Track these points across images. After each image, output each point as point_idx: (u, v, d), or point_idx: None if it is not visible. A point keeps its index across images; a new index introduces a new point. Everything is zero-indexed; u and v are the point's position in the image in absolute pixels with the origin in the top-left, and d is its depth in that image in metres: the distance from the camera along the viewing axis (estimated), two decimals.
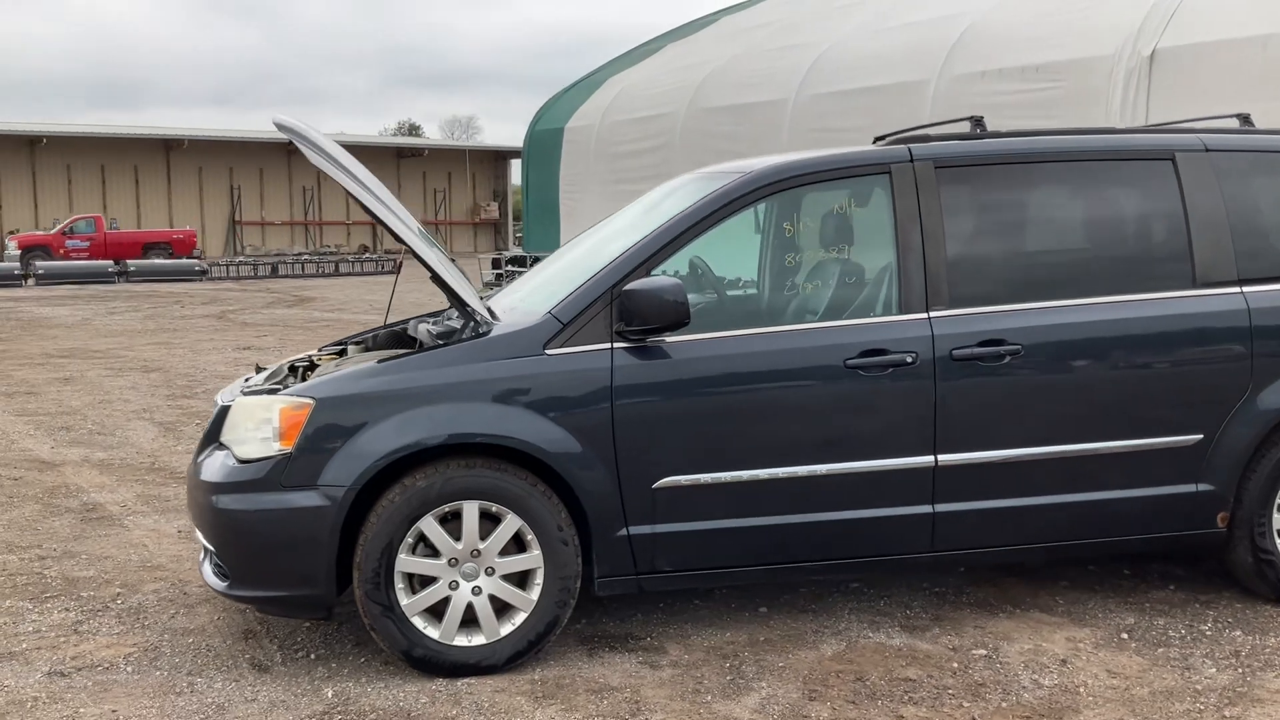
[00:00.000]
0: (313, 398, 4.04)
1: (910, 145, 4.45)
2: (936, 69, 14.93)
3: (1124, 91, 12.83)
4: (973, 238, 4.49)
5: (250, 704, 3.92)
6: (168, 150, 53.34)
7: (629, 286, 4.04)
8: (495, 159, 62.49)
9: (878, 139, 4.67)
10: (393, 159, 58.05)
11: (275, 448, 4.02)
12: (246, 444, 4.09)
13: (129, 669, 4.24)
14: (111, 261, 32.63)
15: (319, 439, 3.99)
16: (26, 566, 5.48)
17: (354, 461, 3.97)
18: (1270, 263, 4.57)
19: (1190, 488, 4.47)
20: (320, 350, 5.23)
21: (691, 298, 4.22)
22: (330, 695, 3.97)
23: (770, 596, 4.85)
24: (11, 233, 41.43)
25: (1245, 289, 4.48)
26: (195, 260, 34.81)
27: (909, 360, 4.21)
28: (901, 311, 4.28)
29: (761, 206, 4.57)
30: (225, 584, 4.17)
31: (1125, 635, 4.38)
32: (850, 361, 4.19)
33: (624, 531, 4.14)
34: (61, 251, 35.93)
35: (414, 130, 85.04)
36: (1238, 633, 4.39)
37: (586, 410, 4.08)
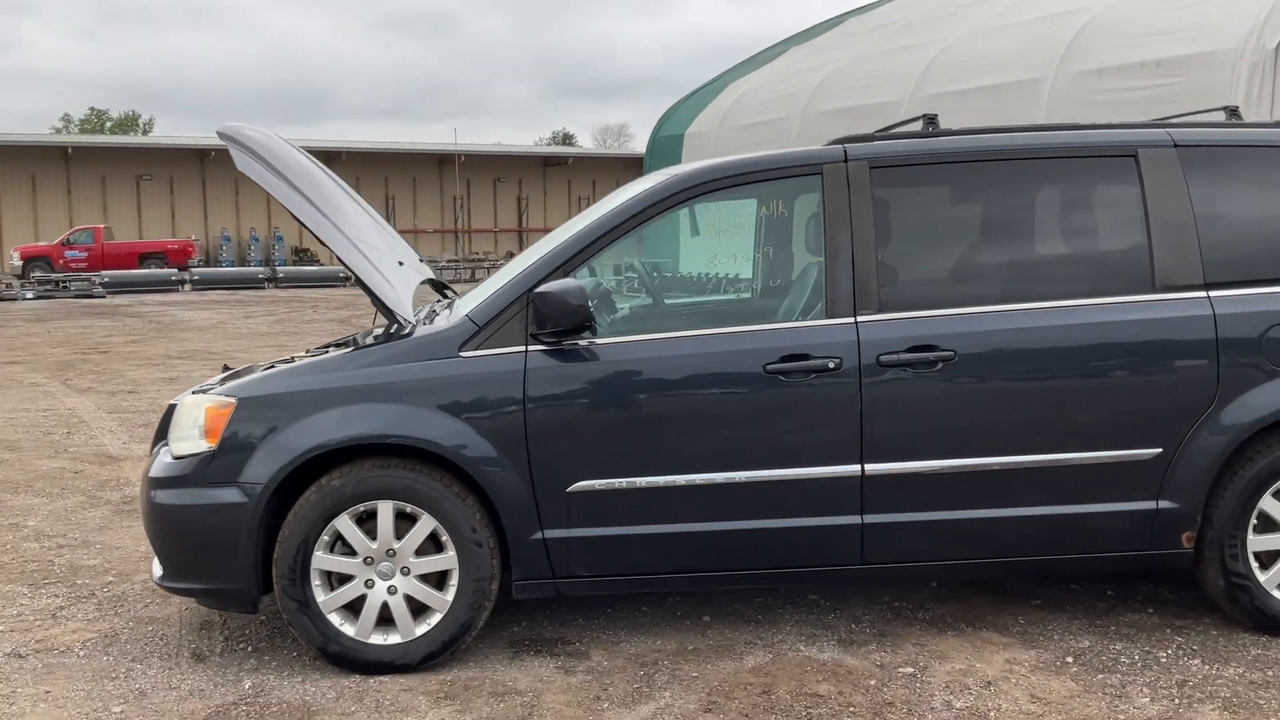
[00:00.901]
0: (235, 397, 4.17)
1: (847, 145, 4.31)
2: (1053, 67, 14.45)
3: (1248, 86, 12.21)
4: (908, 240, 4.32)
5: (171, 691, 4.07)
6: (328, 163, 55.52)
7: (538, 289, 4.04)
8: (640, 166, 62.85)
9: (831, 142, 4.55)
10: (539, 168, 59.15)
11: (203, 445, 4.16)
12: (181, 441, 4.24)
13: (81, 653, 4.45)
14: (263, 267, 34.12)
15: (240, 437, 4.12)
16: (42, 554, 5.80)
17: (271, 460, 4.08)
18: (1243, 266, 4.26)
19: (1149, 505, 4.20)
20: (308, 351, 5.37)
21: (639, 301, 4.19)
22: (247, 687, 4.09)
23: (718, 606, 4.77)
24: (192, 238, 44.05)
25: (1213, 294, 4.19)
26: (172, 270, 35.33)
27: (831, 366, 4.08)
28: (829, 315, 4.15)
29: (699, 208, 4.50)
30: (159, 575, 4.33)
31: (1071, 659, 4.15)
32: (770, 366, 4.09)
33: (539, 535, 4.13)
34: (61, 262, 37.05)
35: (566, 139, 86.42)
36: (1196, 661, 4.11)
37: (499, 412, 4.09)
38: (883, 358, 4.09)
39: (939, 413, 4.14)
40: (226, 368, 5.22)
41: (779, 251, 4.48)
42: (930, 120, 4.52)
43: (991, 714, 3.72)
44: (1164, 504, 4.20)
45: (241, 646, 4.49)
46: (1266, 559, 4.28)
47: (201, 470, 4.14)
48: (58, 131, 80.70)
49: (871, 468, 4.12)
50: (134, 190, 51.12)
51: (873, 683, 3.99)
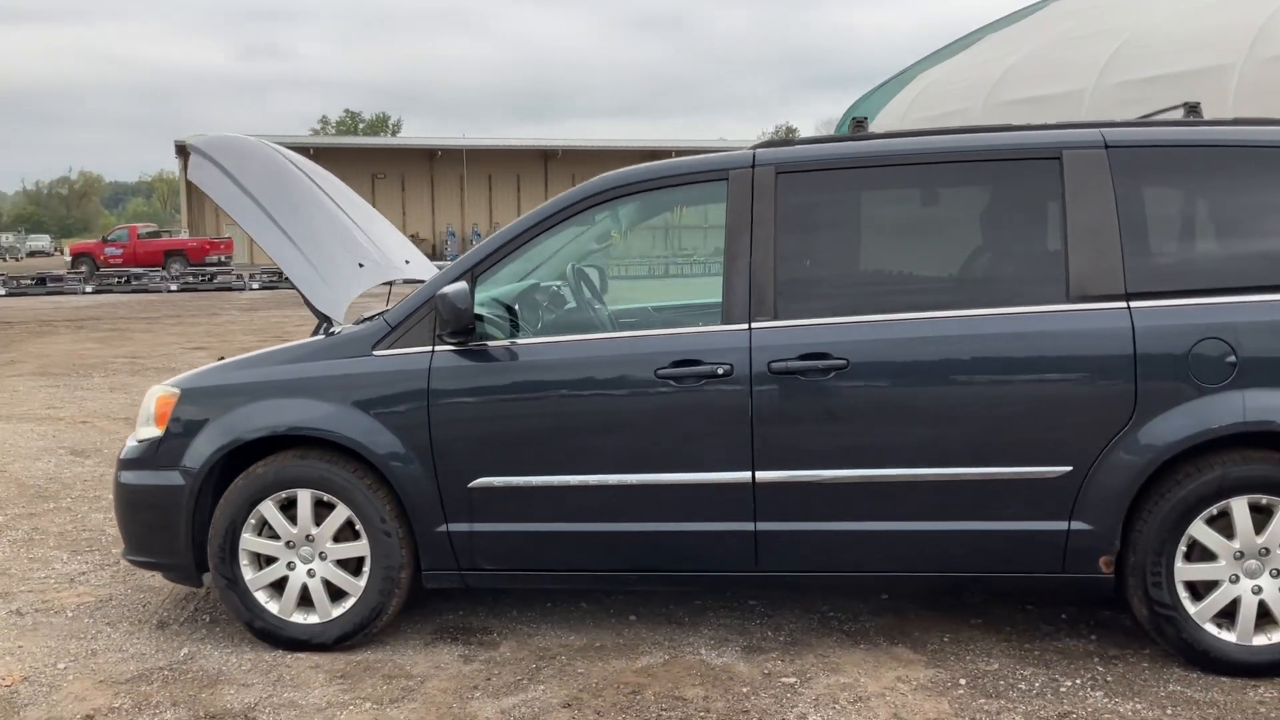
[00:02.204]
0: (180, 388, 4.54)
1: (757, 150, 4.28)
2: (1243, 53, 13.54)
3: None
4: (813, 246, 4.24)
5: (117, 654, 4.48)
6: (545, 160, 57.32)
7: (438, 292, 4.21)
8: None
9: (754, 146, 4.52)
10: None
11: (154, 431, 4.55)
12: (140, 426, 4.65)
13: (70, 615, 4.94)
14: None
15: (182, 425, 4.49)
16: (100, 526, 6.41)
17: (203, 447, 4.42)
18: (1172, 275, 3.98)
19: (1060, 525, 3.99)
20: None
21: (568, 306, 4.31)
22: (182, 654, 4.46)
23: (651, 606, 4.82)
24: (411, 236, 46.51)
25: (1134, 305, 3.94)
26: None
27: (720, 371, 4.07)
28: (724, 321, 4.15)
29: (620, 212, 4.56)
30: (123, 549, 4.76)
31: (965, 681, 4.00)
32: (661, 371, 4.12)
33: (444, 528, 4.32)
34: (102, 258, 40.03)
35: (789, 133, 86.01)
36: (1098, 694, 3.88)
37: (406, 409, 4.29)
38: (773, 365, 4.05)
39: (831, 422, 4.07)
40: (222, 358, 5.63)
41: (691, 258, 4.48)
42: (859, 123, 4.43)
43: None
44: (1076, 525, 3.98)
45: (203, 618, 4.87)
46: (1203, 589, 4.00)
47: (151, 454, 4.53)
48: (315, 133, 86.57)
49: (763, 475, 4.10)
50: (369, 188, 54.16)
51: (745, 690, 3.97)
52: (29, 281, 32.51)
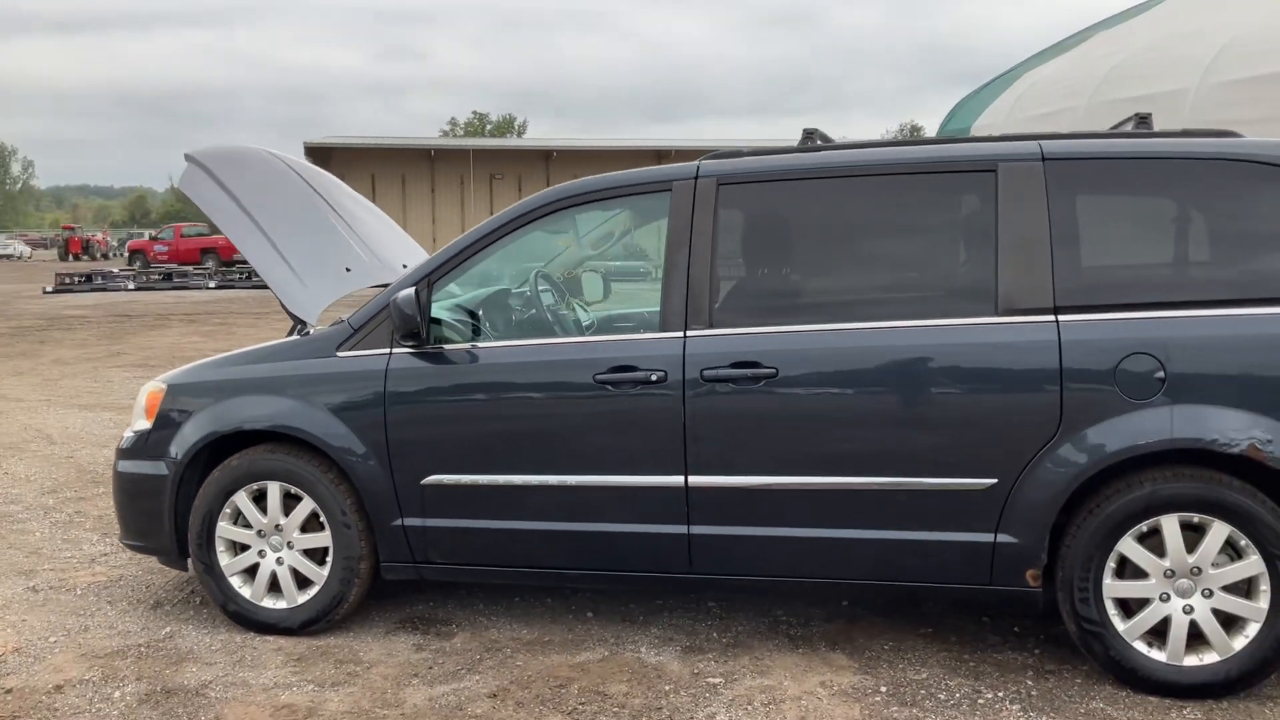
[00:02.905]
0: (166, 384, 4.85)
1: (702, 162, 4.37)
2: None
3: None
4: (750, 257, 4.32)
5: (106, 630, 4.81)
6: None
7: (391, 298, 4.42)
8: None
9: (706, 157, 4.60)
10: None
11: (145, 423, 4.87)
12: (136, 418, 4.98)
13: (78, 593, 5.31)
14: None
15: (168, 419, 4.79)
16: None
17: (184, 440, 4.72)
18: (1103, 289, 3.94)
19: (987, 537, 3.99)
20: None
21: (531, 313, 4.49)
22: (164, 633, 4.76)
23: (611, 604, 4.96)
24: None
25: (1062, 319, 3.91)
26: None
27: (653, 378, 4.18)
28: (661, 329, 4.26)
29: (577, 219, 4.71)
30: (119, 533, 5.09)
31: (886, 689, 4.03)
32: (599, 376, 4.25)
33: (400, 522, 4.53)
34: (152, 254, 44.05)
35: (915, 131, 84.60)
36: (1015, 707, 3.88)
37: (364, 408, 4.51)
38: (706, 372, 4.15)
39: (762, 429, 4.14)
40: None
41: (643, 268, 4.60)
42: (809, 135, 4.48)
43: None
44: (1003, 538, 3.98)
45: (195, 600, 5.18)
46: (1135, 606, 3.95)
47: (142, 445, 4.85)
48: (444, 134, 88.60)
49: (695, 480, 4.19)
50: (488, 188, 55.17)
51: (668, 688, 4.08)
52: (156, 277, 34.19)
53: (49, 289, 31.20)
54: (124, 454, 4.95)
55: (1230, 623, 3.88)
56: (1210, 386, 3.79)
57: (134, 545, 5.01)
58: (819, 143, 4.45)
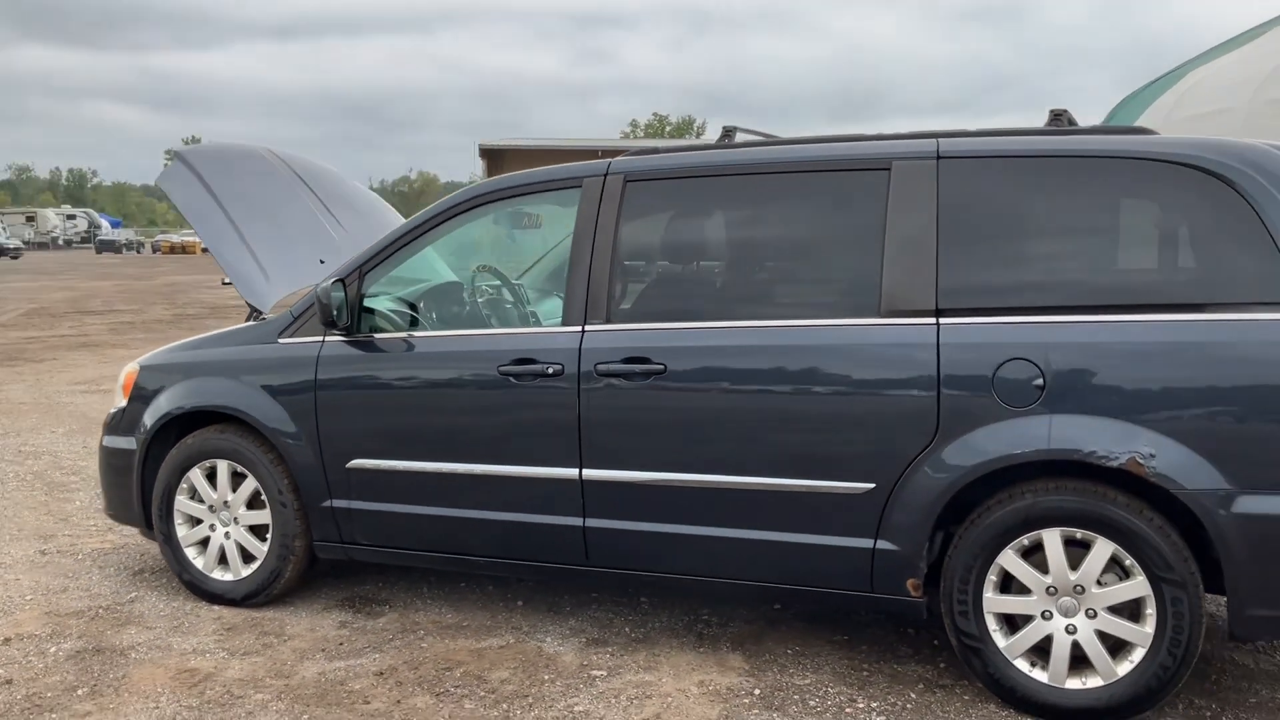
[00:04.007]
0: (139, 365, 5.18)
1: (614, 159, 4.41)
2: None
3: None
4: (651, 254, 4.32)
5: (81, 592, 5.18)
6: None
7: (316, 288, 4.62)
8: None
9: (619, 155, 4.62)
10: None
11: (122, 401, 5.22)
12: (117, 396, 5.34)
13: (79, 557, 5.73)
14: None
15: (139, 398, 5.13)
16: None
17: (149, 418, 5.04)
18: (987, 292, 3.78)
19: (866, 543, 3.90)
20: None
21: (465, 306, 4.66)
22: (127, 598, 5.09)
23: (543, 593, 5.04)
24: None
25: (943, 321, 3.79)
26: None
27: (550, 371, 4.25)
28: (564, 323, 4.31)
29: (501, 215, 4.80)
30: (102, 504, 5.47)
31: (758, 693, 3.99)
32: (503, 368, 4.34)
33: (329, 503, 4.72)
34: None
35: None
36: (880, 718, 3.78)
37: (298, 392, 4.72)
38: (599, 367, 4.18)
39: (650, 425, 4.14)
40: None
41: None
42: (727, 132, 4.46)
43: None
44: (882, 545, 3.88)
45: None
46: (1020, 622, 3.80)
47: (119, 421, 5.20)
48: (625, 136, 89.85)
49: (589, 473, 4.24)
50: None
51: (547, 678, 4.13)
52: None
53: (226, 280, 33.24)
54: (106, 429, 5.31)
55: (1117, 647, 3.69)
56: (1092, 396, 3.60)
57: (114, 516, 5.37)
58: (733, 140, 4.42)
